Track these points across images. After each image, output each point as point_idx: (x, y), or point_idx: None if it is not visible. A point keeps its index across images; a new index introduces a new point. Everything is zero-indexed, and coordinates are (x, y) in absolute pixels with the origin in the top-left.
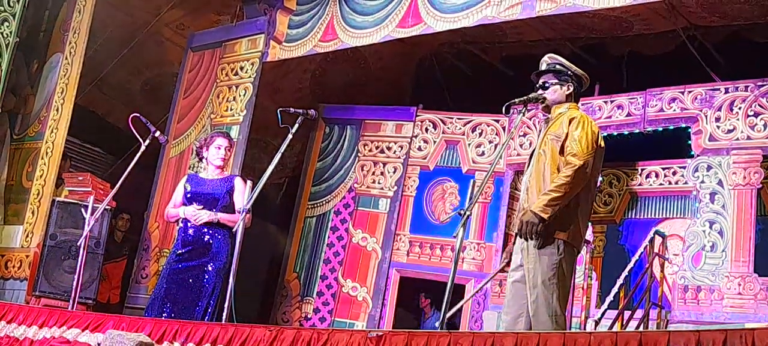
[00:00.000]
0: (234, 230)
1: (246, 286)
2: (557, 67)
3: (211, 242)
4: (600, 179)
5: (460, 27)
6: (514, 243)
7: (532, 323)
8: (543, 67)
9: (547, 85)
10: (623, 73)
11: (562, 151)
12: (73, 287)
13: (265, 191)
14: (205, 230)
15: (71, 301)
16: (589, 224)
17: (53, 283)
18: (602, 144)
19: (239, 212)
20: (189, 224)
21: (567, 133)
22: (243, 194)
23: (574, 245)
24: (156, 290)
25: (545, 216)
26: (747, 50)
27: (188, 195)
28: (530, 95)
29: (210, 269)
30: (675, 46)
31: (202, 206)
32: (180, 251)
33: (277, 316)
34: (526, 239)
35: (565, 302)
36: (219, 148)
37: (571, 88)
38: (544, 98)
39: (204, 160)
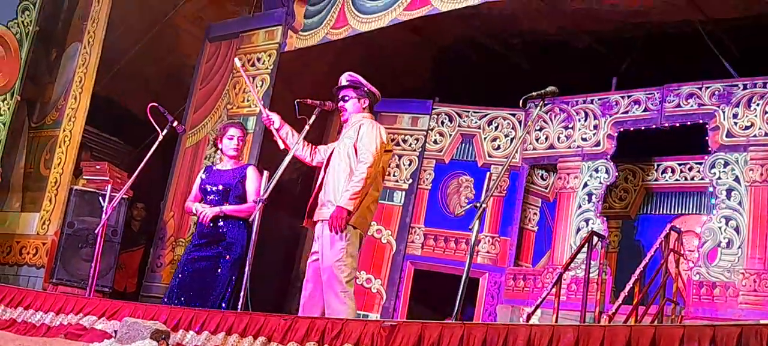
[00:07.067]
0: (250, 219)
1: (262, 276)
2: (355, 83)
3: (226, 232)
4: None
5: (465, 6)
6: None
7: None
8: (343, 83)
9: (346, 98)
10: (640, 67)
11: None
12: (90, 275)
13: (282, 181)
14: (221, 221)
15: (88, 289)
16: (605, 219)
17: (70, 271)
18: (389, 147)
19: (251, 202)
20: None
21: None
22: (255, 184)
23: (361, 229)
24: (173, 279)
25: (350, 208)
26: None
27: (203, 186)
28: (547, 89)
29: (225, 259)
30: (692, 41)
31: (218, 197)
32: (197, 242)
33: (292, 306)
34: (337, 232)
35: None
36: (231, 138)
37: (367, 103)
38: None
39: (220, 151)
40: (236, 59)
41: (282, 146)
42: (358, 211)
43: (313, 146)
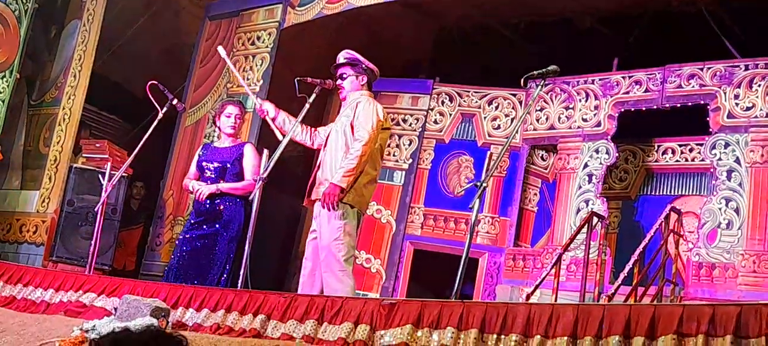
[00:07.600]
0: (250, 198)
1: (262, 254)
2: (352, 61)
3: (223, 210)
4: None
5: None
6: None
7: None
8: (341, 60)
9: (344, 76)
10: (642, 47)
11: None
12: (90, 253)
13: (283, 160)
14: (218, 199)
15: (88, 266)
16: (605, 199)
17: (70, 248)
18: (387, 125)
19: (248, 180)
20: None
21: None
22: (253, 162)
23: (358, 207)
24: (171, 259)
25: (344, 185)
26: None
27: (200, 163)
28: (548, 68)
29: (222, 237)
30: (695, 21)
31: (214, 174)
32: (193, 221)
33: (291, 284)
34: (330, 208)
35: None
36: (229, 116)
37: (365, 80)
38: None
39: (217, 128)
40: (219, 48)
41: (280, 136)
42: (355, 189)
43: (313, 129)
